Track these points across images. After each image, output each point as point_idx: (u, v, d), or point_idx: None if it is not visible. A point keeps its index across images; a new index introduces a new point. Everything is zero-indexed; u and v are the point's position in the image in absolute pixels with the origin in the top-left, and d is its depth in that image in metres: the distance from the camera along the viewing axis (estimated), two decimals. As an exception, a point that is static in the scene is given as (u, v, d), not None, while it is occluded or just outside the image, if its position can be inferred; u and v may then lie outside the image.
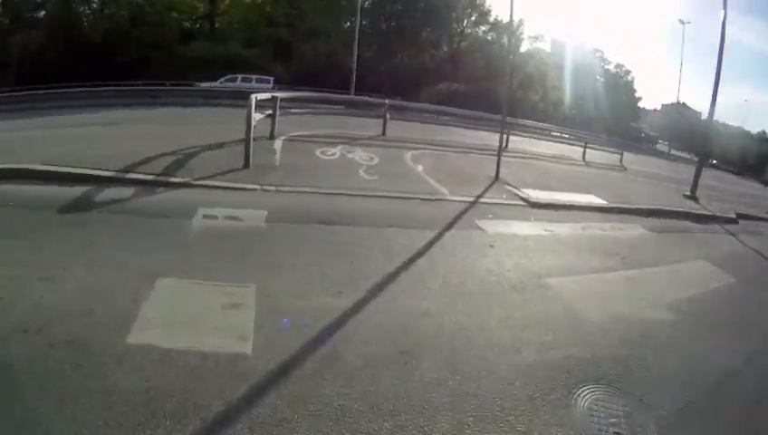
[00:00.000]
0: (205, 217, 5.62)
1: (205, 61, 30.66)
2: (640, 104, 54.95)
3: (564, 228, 7.20)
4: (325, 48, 37.35)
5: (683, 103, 52.13)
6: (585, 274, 5.35)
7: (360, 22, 31.77)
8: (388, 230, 5.88)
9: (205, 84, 25.44)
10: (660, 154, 36.40)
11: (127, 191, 6.32)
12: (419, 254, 5.22)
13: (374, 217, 6.33)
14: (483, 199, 8.19)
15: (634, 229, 7.83)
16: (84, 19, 34.75)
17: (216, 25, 39.86)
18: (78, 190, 6.18)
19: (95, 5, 36.00)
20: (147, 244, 4.72)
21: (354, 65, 28.06)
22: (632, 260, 6.05)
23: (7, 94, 17.20)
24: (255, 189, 7.01)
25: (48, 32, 30.47)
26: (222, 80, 27.09)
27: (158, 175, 6.99)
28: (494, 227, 6.69)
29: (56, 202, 5.68)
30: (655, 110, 57.32)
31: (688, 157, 36.16)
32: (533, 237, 6.54)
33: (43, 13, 33.31)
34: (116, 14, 34.60)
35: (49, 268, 3.93)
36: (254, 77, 27.89)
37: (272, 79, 28.30)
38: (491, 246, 5.84)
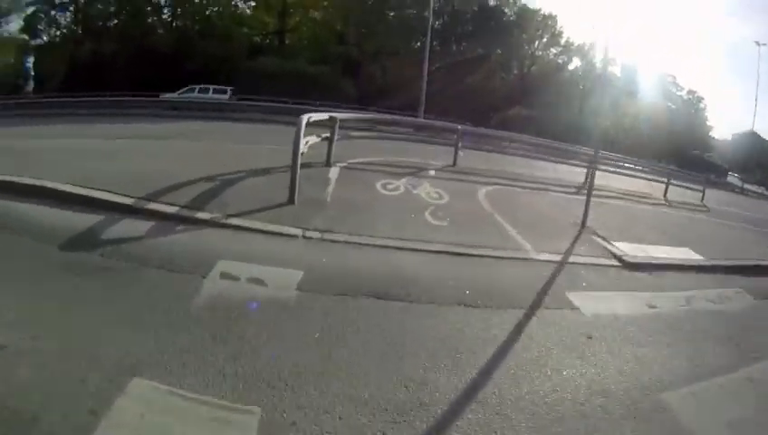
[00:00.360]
0: (222, 275, 4.37)
1: (273, 76, 30.70)
2: (711, 133, 51.19)
3: (668, 303, 5.63)
4: (394, 68, 36.79)
5: (755, 133, 47.53)
6: (703, 379, 3.91)
7: (431, 42, 30.71)
8: (456, 310, 4.43)
9: (167, 95, 25.87)
10: (733, 188, 33.33)
11: (142, 227, 5.35)
12: (498, 356, 3.74)
13: (440, 285, 4.89)
14: (571, 258, 6.61)
15: (740, 297, 6.28)
16: (155, 36, 35.89)
17: (287, 42, 40.31)
18: (89, 220, 5.34)
19: (166, 18, 37.23)
20: (139, 313, 3.63)
21: (424, 86, 26.89)
22: (749, 349, 4.66)
23: (65, 99, 17.35)
24: (296, 236, 5.70)
25: (119, 40, 31.59)
26: (180, 91, 27.39)
27: (182, 207, 5.95)
28: (589, 303, 5.13)
29: (60, 234, 4.91)
30: (725, 139, 52.81)
31: (759, 191, 33.96)
32: (637, 320, 4.98)
33: (115, 22, 34.72)
34: (186, 25, 35.55)
35: (16, 332, 3.15)
36: (211, 87, 28.17)
37: (229, 90, 28.42)
38: (589, 337, 4.34)
